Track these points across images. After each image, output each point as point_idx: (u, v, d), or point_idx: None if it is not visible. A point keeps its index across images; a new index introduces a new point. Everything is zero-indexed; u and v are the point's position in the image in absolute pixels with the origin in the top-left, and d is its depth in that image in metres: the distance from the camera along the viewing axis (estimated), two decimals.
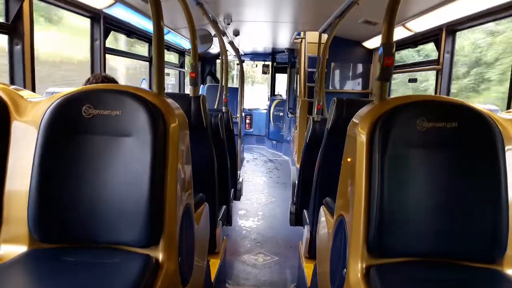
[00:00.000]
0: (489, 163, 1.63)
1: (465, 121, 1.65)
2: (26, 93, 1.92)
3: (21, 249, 1.66)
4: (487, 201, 1.63)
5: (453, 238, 1.63)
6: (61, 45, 4.72)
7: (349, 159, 1.84)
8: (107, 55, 4.07)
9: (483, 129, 1.64)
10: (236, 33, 6.86)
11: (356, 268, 1.62)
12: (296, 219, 3.83)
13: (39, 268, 1.55)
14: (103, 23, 3.90)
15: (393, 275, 1.55)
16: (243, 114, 7.40)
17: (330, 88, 6.94)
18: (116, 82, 2.65)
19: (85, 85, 2.51)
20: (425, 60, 4.91)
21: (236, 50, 6.94)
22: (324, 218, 2.35)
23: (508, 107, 3.02)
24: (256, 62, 12.05)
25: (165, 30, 5.38)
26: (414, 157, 1.64)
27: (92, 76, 2.61)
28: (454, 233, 1.63)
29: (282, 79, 11.87)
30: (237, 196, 5.09)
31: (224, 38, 5.73)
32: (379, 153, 1.63)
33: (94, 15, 3.83)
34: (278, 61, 11.27)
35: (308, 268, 3.04)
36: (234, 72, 15.95)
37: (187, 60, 7.94)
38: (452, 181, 1.64)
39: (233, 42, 6.75)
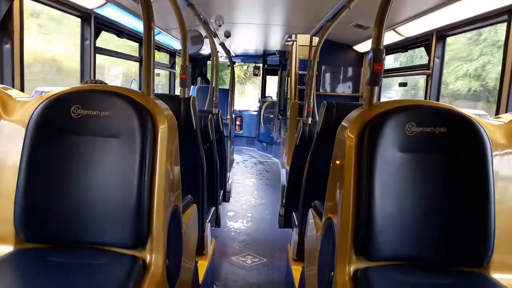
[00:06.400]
0: (477, 168, 1.65)
1: (454, 126, 1.66)
2: (14, 92, 1.90)
3: (7, 249, 1.64)
4: (475, 206, 1.64)
5: (440, 242, 1.64)
6: None
7: (338, 163, 1.84)
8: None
9: (472, 135, 1.66)
10: (228, 35, 6.85)
11: (344, 271, 1.63)
12: (285, 221, 3.83)
13: (25, 268, 1.54)
14: (94, 23, 3.87)
15: (381, 278, 1.56)
16: (233, 115, 7.40)
17: (321, 90, 6.94)
18: None
19: None
20: (415, 64, 4.95)
21: (227, 51, 6.94)
22: (313, 221, 2.35)
23: (496, 113, 3.05)
24: (247, 64, 12.04)
25: (156, 30, 5.35)
26: (402, 161, 1.65)
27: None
28: (441, 237, 1.64)
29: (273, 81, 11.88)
30: (226, 198, 5.09)
31: (215, 40, 5.72)
32: (367, 157, 1.64)
33: (85, 15, 3.80)
34: (269, 63, 11.27)
35: (296, 271, 3.04)
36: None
37: (178, 60, 7.92)
38: (440, 186, 1.66)
39: (224, 44, 6.74)
